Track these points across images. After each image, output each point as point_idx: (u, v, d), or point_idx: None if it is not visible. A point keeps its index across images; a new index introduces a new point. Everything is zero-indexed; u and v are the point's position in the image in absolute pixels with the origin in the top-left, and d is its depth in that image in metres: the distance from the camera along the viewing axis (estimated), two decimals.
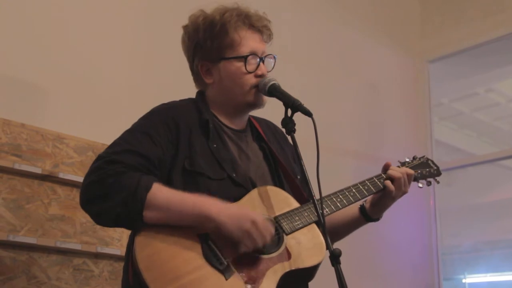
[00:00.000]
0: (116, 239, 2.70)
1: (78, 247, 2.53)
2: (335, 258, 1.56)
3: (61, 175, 2.55)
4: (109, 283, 2.63)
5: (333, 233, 2.02)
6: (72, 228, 2.58)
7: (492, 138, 6.38)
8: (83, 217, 2.61)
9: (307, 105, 1.81)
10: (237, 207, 1.74)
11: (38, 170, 2.50)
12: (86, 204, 1.72)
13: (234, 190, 1.83)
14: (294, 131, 1.80)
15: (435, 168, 2.25)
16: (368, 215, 2.07)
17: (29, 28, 2.76)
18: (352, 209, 2.08)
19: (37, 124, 2.61)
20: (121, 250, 2.63)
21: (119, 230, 2.70)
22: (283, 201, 1.88)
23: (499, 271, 5.82)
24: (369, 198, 2.06)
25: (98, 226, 2.64)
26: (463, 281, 6.00)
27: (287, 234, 1.79)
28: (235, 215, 1.69)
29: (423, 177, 2.20)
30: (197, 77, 2.02)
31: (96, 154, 2.43)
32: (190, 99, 2.02)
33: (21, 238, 2.39)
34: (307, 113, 1.77)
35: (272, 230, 1.73)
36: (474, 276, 6.02)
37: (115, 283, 2.63)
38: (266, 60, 1.97)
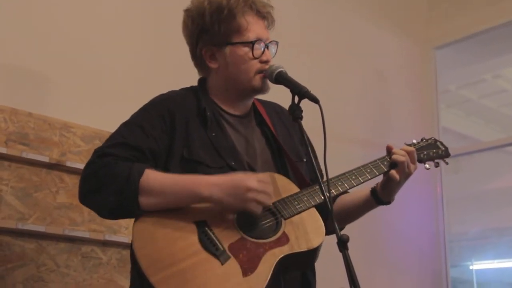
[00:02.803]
0: (123, 227, 2.71)
1: (86, 235, 2.55)
2: (343, 244, 1.56)
3: (68, 164, 2.56)
4: (117, 271, 2.65)
5: (344, 216, 2.03)
6: (80, 216, 2.60)
7: (499, 124, 6.36)
8: None
9: (313, 93, 1.80)
10: (226, 178, 1.73)
11: (45, 159, 2.51)
12: (84, 199, 1.75)
13: None
14: (301, 118, 1.79)
15: (443, 149, 2.18)
16: (379, 198, 2.03)
17: (36, 17, 2.76)
18: (364, 192, 2.05)
19: (44, 113, 2.62)
20: (128, 238, 2.64)
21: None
22: (283, 187, 1.87)
23: (506, 258, 5.82)
24: (376, 179, 2.03)
25: None
26: (470, 267, 6.01)
27: (285, 219, 1.78)
28: (229, 188, 1.69)
29: (430, 158, 2.14)
30: (200, 62, 2.00)
31: (102, 142, 2.44)
32: (190, 88, 2.02)
33: (29, 226, 2.41)
34: (314, 99, 1.76)
35: (268, 180, 1.73)
36: (481, 262, 6.03)
37: (123, 271, 2.65)
38: (270, 46, 1.97)
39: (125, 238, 2.65)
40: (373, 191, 2.05)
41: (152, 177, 1.70)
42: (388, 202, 2.05)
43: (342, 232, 1.60)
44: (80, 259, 2.55)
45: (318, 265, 1.88)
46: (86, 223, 2.61)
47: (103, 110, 2.84)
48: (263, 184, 1.71)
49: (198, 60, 2.00)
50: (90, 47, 2.90)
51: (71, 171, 2.60)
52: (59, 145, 2.61)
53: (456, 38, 4.77)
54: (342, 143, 3.93)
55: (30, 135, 2.54)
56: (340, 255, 1.57)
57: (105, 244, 2.64)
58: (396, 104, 4.52)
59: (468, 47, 4.89)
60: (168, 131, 1.83)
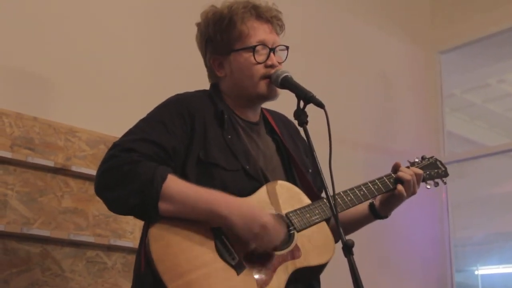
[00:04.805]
0: (128, 232, 2.71)
1: (91, 239, 2.55)
2: (348, 249, 1.56)
3: (73, 168, 2.56)
4: (122, 275, 2.65)
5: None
6: (85, 221, 2.60)
7: (504, 129, 6.36)
8: (96, 210, 2.62)
9: (317, 97, 1.80)
10: (249, 206, 1.73)
11: (50, 163, 2.51)
12: (102, 191, 1.72)
13: (247, 183, 1.83)
14: (306, 122, 1.79)
15: (443, 169, 2.26)
16: (377, 213, 2.08)
17: (41, 22, 2.77)
18: (362, 206, 2.07)
19: (49, 117, 2.62)
20: (133, 243, 2.64)
21: (132, 222, 2.71)
22: (295, 197, 1.88)
23: (511, 263, 5.80)
24: (378, 196, 2.07)
25: (111, 219, 2.66)
26: (476, 272, 5.99)
27: (298, 231, 1.79)
28: (246, 217, 1.68)
29: (431, 178, 2.22)
30: (210, 72, 2.02)
31: (108, 147, 2.45)
32: (204, 91, 2.02)
33: (35, 231, 2.40)
34: (320, 104, 1.76)
35: (283, 234, 1.72)
36: (486, 267, 6.01)
37: (128, 275, 2.65)
38: (278, 51, 1.97)
39: (130, 243, 2.65)
40: (372, 206, 2.09)
41: (175, 185, 1.68)
42: (385, 216, 2.11)
43: (347, 238, 1.60)
44: (85, 263, 2.56)
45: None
46: (91, 227, 2.61)
47: (108, 115, 2.84)
48: (275, 231, 1.70)
49: (209, 69, 2.03)
50: (95, 51, 2.90)
51: (76, 175, 2.60)
52: (64, 149, 2.62)
53: (460, 43, 4.76)
54: (345, 147, 3.93)
55: (35, 140, 2.54)
56: (345, 260, 1.57)
57: (110, 248, 2.64)
58: (400, 108, 4.51)
59: (472, 51, 4.89)
60: (188, 131, 1.82)
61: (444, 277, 4.37)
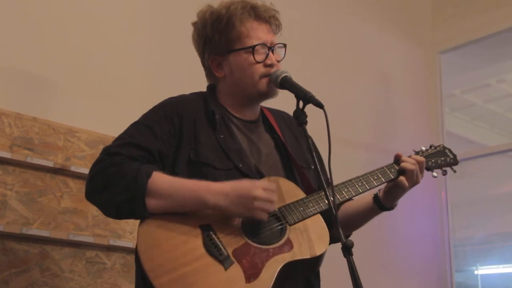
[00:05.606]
0: (128, 232, 2.71)
1: (90, 239, 2.55)
2: (347, 249, 1.56)
3: (73, 168, 2.56)
4: (122, 276, 2.65)
5: (348, 223, 2.02)
6: (84, 221, 2.60)
7: (504, 129, 6.36)
8: (96, 210, 2.62)
9: (317, 97, 1.80)
10: (232, 186, 1.73)
11: (50, 164, 2.51)
12: (91, 195, 1.77)
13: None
14: (306, 123, 1.80)
15: (452, 156, 2.18)
16: (382, 204, 2.03)
17: (40, 22, 2.77)
18: (366, 198, 2.05)
19: (49, 117, 2.62)
20: (133, 243, 2.63)
21: (131, 222, 2.71)
22: (290, 192, 1.88)
23: (511, 263, 5.80)
24: (382, 186, 2.04)
25: (111, 219, 2.65)
26: (475, 272, 6.00)
27: (290, 225, 1.79)
28: (235, 197, 1.70)
29: (438, 166, 2.15)
30: (209, 72, 2.04)
31: None
32: (199, 93, 2.04)
33: (34, 231, 2.40)
34: (319, 105, 1.76)
35: (273, 188, 1.75)
36: (486, 267, 6.01)
37: (128, 275, 2.65)
38: (276, 49, 1.98)
39: (130, 243, 2.65)
40: (376, 197, 2.05)
41: (160, 180, 1.71)
42: (391, 208, 2.06)
43: (346, 238, 1.59)
44: (84, 264, 2.55)
45: (323, 269, 1.88)
46: (91, 228, 2.61)
47: (108, 115, 2.84)
48: (268, 193, 1.73)
49: (207, 70, 2.04)
50: (95, 51, 2.90)
51: (76, 175, 2.60)
52: (63, 149, 2.62)
53: (460, 43, 4.76)
54: (346, 148, 3.92)
55: (35, 140, 2.54)
56: (345, 260, 1.57)
57: (110, 249, 2.64)
58: (400, 109, 4.51)
59: (472, 51, 4.89)
60: (177, 134, 1.85)
61: (444, 277, 4.37)
